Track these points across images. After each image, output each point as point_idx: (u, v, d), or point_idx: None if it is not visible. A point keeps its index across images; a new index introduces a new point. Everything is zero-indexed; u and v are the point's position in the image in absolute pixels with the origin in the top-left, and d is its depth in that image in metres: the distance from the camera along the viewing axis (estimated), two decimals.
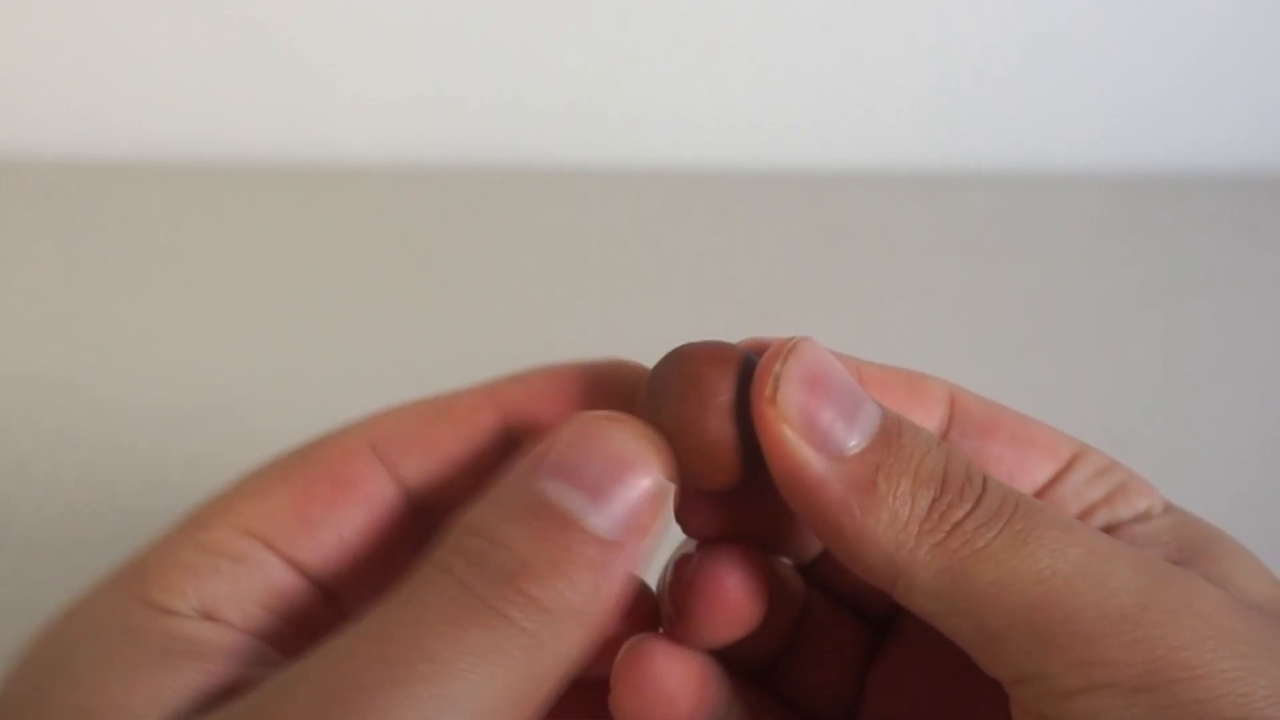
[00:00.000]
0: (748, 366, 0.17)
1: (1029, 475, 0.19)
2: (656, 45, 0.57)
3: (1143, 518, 0.19)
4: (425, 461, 0.19)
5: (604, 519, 0.16)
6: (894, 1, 0.56)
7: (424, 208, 0.55)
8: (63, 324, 0.46)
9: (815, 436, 0.16)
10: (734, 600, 0.18)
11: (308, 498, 0.17)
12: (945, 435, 0.19)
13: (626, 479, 0.16)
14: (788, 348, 0.17)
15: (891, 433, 0.17)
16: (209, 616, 0.16)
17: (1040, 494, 0.19)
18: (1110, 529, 0.19)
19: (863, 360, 0.19)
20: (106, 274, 0.49)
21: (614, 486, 0.16)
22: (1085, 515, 0.19)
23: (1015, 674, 0.16)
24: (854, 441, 0.16)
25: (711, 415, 0.17)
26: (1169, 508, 0.19)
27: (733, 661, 0.20)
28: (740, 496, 0.18)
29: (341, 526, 0.18)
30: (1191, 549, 0.18)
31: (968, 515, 0.16)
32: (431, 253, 0.52)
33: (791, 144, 0.60)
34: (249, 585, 0.17)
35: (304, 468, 0.18)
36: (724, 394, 0.17)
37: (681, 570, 0.18)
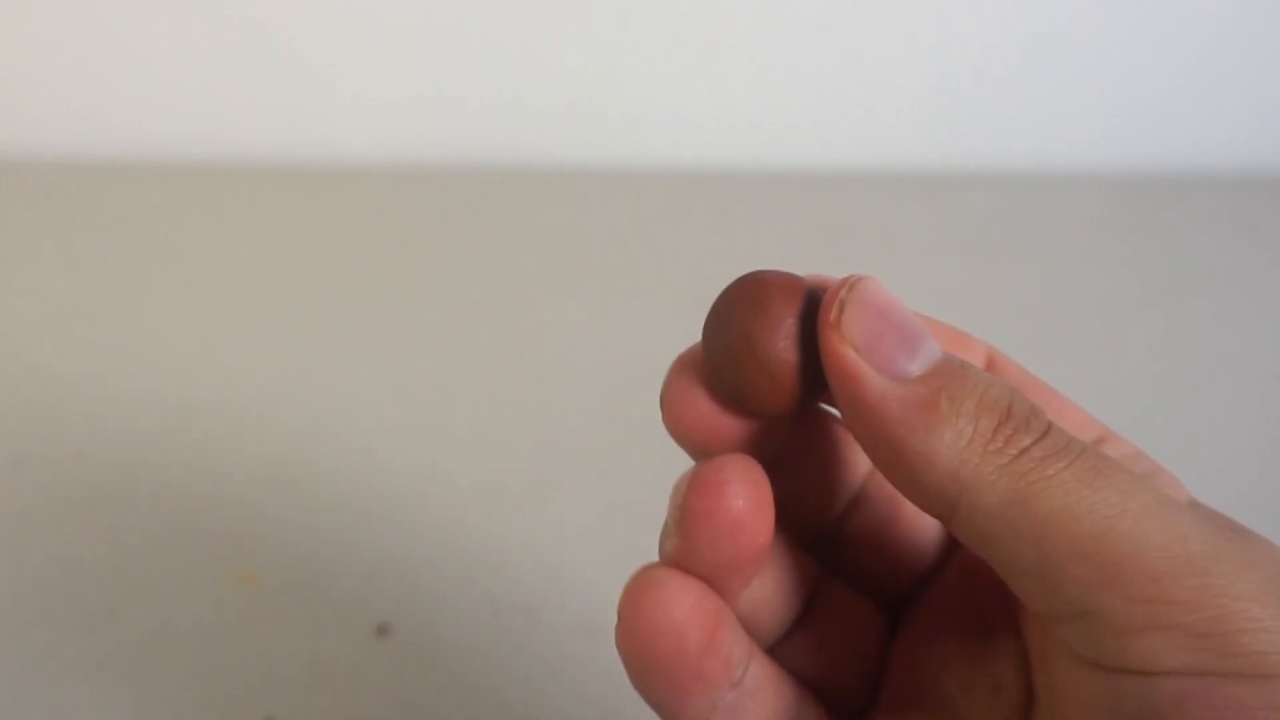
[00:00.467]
0: (814, 296, 0.18)
1: None
2: (656, 45, 0.57)
3: None
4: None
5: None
6: (894, 1, 0.56)
7: (424, 208, 0.55)
8: (63, 323, 0.46)
9: (878, 359, 0.17)
10: (735, 508, 0.17)
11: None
12: None
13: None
14: (853, 280, 0.18)
15: (955, 363, 0.17)
16: None
17: None
18: None
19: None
20: (106, 274, 0.49)
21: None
22: None
23: (1072, 608, 0.15)
24: (916, 367, 0.17)
25: (780, 335, 0.18)
26: (1194, 503, 0.18)
27: (751, 631, 0.20)
28: (785, 436, 0.19)
29: None
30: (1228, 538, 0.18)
31: (1035, 443, 0.16)
32: (431, 253, 0.52)
33: (791, 144, 0.60)
34: None
35: None
36: (790, 317, 0.18)
37: (683, 486, 0.18)
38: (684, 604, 0.18)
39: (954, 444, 0.16)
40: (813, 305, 0.18)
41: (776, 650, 0.21)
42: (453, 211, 0.55)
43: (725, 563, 0.18)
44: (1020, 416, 0.16)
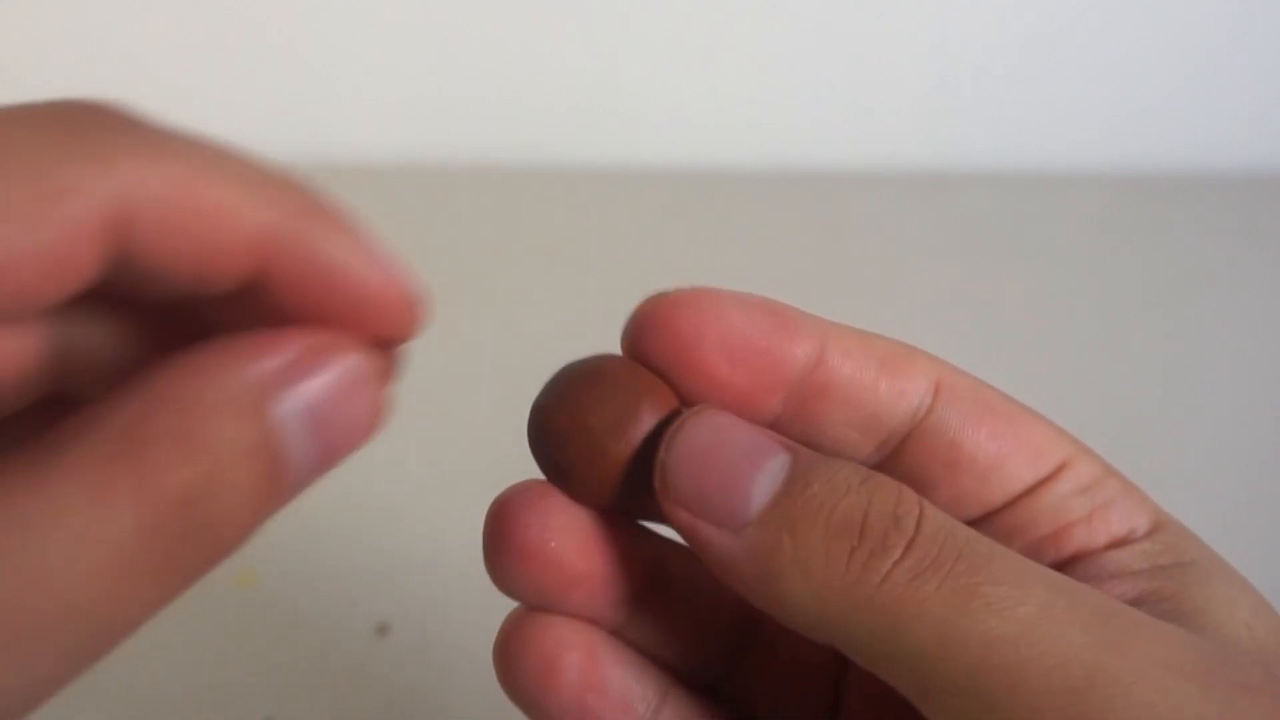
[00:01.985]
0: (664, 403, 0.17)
1: (1005, 478, 0.18)
2: (657, 45, 0.57)
3: (1121, 542, 0.18)
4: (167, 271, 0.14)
5: (313, 475, 0.15)
6: (894, 1, 0.56)
7: (424, 208, 0.55)
8: None
9: (711, 514, 0.16)
10: (526, 535, 0.17)
11: (6, 264, 0.13)
12: (924, 420, 0.18)
13: (354, 444, 0.15)
14: (670, 431, 0.16)
15: (798, 484, 0.16)
16: None
17: (1015, 502, 0.18)
18: (1083, 554, 0.18)
19: (839, 329, 0.18)
20: None
21: (345, 451, 0.15)
22: (1058, 535, 0.18)
23: None
24: (755, 503, 0.16)
25: (613, 429, 0.17)
26: (1157, 527, 0.18)
27: (678, 670, 0.19)
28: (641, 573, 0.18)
29: (30, 308, 0.13)
30: (1169, 581, 0.17)
31: (896, 564, 0.15)
32: (431, 252, 0.52)
33: (791, 144, 0.60)
34: None
35: (17, 208, 0.13)
36: (631, 416, 0.17)
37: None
38: (548, 639, 0.18)
39: (807, 586, 0.15)
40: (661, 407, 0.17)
41: (721, 688, 0.20)
42: (453, 211, 0.54)
43: (539, 589, 0.17)
44: (877, 532, 0.15)
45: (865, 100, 0.59)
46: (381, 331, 0.15)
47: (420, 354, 0.50)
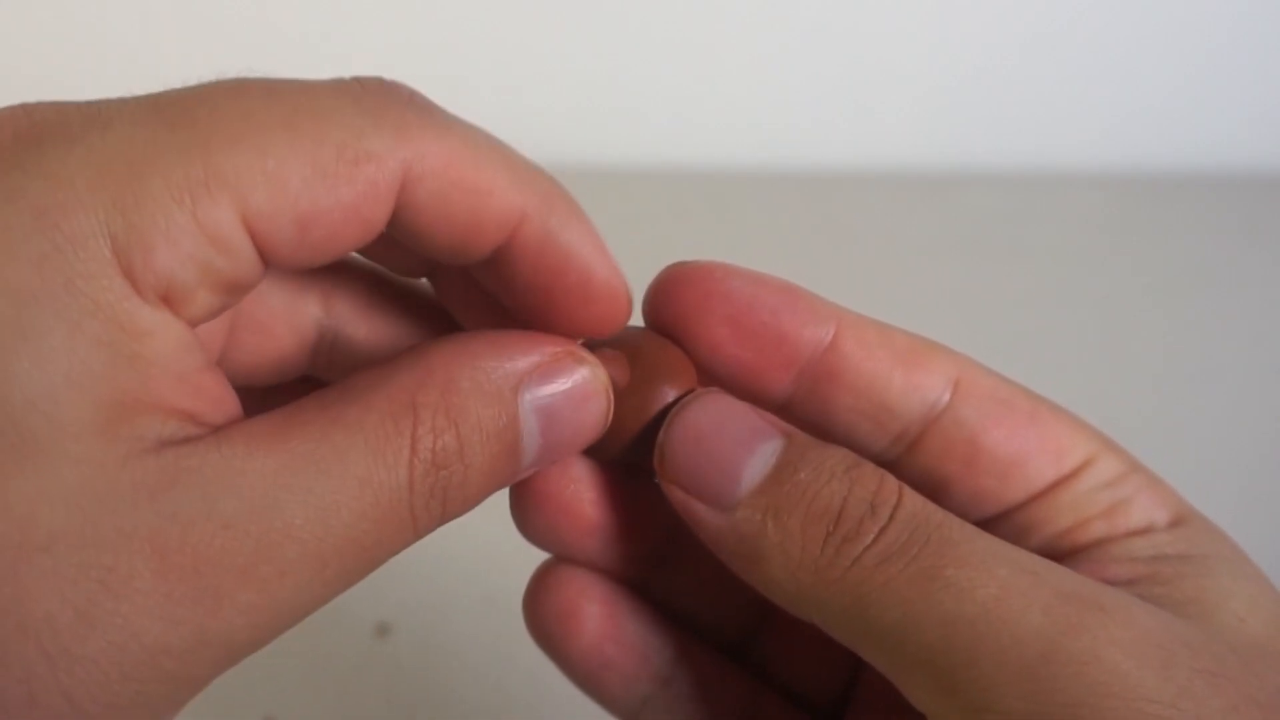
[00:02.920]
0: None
1: (1025, 477, 0.18)
2: (657, 45, 0.57)
3: (1137, 533, 0.18)
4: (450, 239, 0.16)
5: (531, 469, 0.17)
6: (894, 2, 0.56)
7: None
8: None
9: (703, 493, 0.17)
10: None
11: (317, 216, 0.14)
12: (941, 417, 0.18)
13: (577, 446, 0.17)
14: (673, 413, 0.17)
15: (787, 470, 0.16)
16: (167, 303, 0.14)
17: (1037, 499, 0.18)
18: (1099, 544, 0.18)
19: (856, 317, 0.18)
20: None
21: (564, 453, 0.17)
22: (1077, 529, 0.18)
23: (925, 708, 0.15)
24: (745, 486, 0.16)
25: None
26: (1179, 521, 0.18)
27: (699, 626, 0.20)
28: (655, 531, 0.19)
29: (331, 254, 0.15)
30: (1171, 568, 0.17)
31: (867, 549, 0.15)
32: None
33: (791, 144, 0.60)
34: (221, 284, 0.14)
35: (329, 168, 0.14)
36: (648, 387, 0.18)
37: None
38: (570, 588, 0.19)
39: (785, 567, 0.16)
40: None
41: (743, 650, 0.21)
42: None
43: (557, 535, 0.19)
44: (853, 519, 0.16)
45: (865, 100, 0.59)
46: (594, 319, 0.17)
47: None
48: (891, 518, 0.16)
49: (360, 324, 0.19)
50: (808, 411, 0.19)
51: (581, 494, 0.18)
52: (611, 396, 0.17)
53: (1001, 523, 0.19)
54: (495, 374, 0.16)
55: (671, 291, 0.18)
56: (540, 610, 0.19)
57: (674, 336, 0.18)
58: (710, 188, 0.57)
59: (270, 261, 0.14)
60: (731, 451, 0.17)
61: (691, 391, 0.18)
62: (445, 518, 0.16)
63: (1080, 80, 0.59)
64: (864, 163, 0.59)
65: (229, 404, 0.15)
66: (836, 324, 0.18)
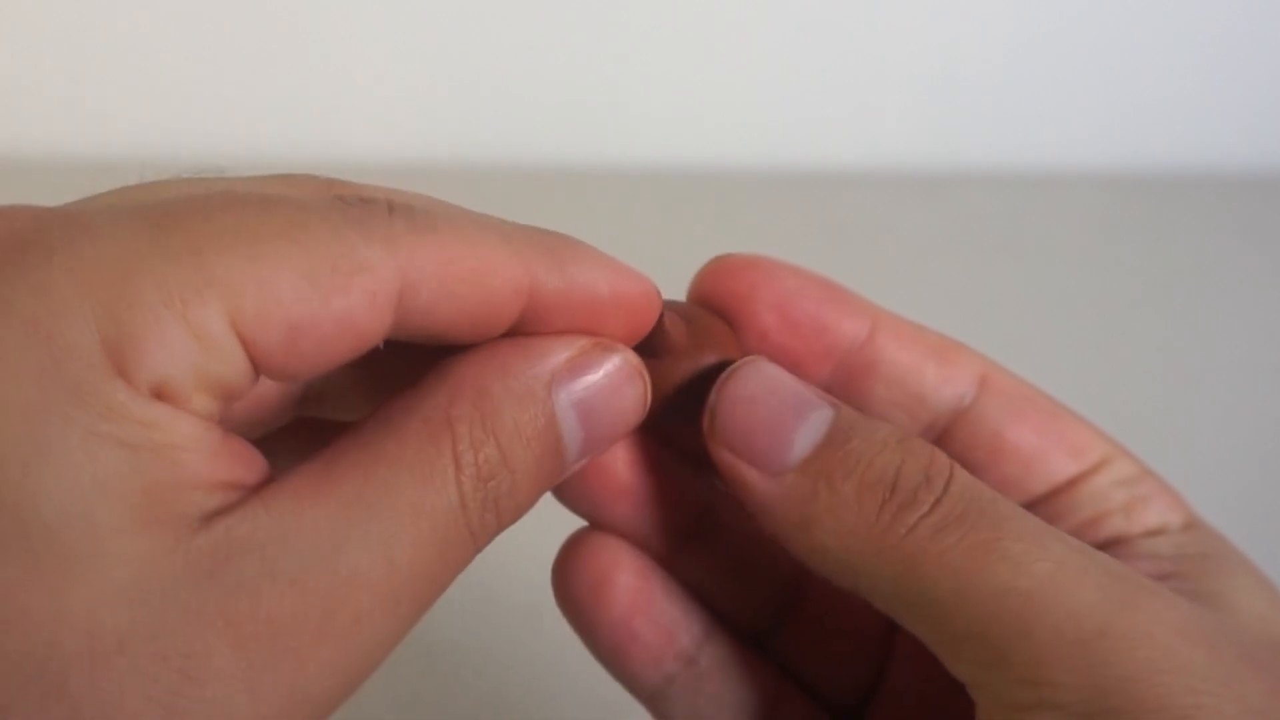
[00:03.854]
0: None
1: (1047, 470, 0.19)
2: (657, 45, 0.57)
3: (1154, 533, 0.18)
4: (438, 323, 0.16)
5: (578, 463, 0.17)
6: (894, 1, 0.56)
7: None
8: None
9: (755, 457, 0.17)
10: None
11: (309, 326, 0.14)
12: (968, 411, 0.19)
13: (620, 433, 0.17)
14: (724, 376, 0.17)
15: (839, 438, 0.17)
16: (166, 400, 0.14)
17: (1057, 492, 0.19)
18: (1117, 540, 0.18)
19: (889, 315, 0.19)
20: None
21: (608, 442, 0.17)
22: (1096, 522, 0.19)
23: (971, 680, 0.16)
24: (797, 452, 0.17)
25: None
26: (1190, 524, 0.19)
27: (727, 617, 0.20)
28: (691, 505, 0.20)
29: (322, 365, 0.15)
30: (1192, 566, 0.18)
31: (923, 518, 0.16)
32: None
33: (791, 144, 0.60)
34: (216, 384, 0.14)
35: (322, 280, 0.14)
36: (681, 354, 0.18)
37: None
38: (603, 556, 0.19)
39: (838, 533, 0.16)
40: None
41: (767, 640, 0.21)
42: None
43: (587, 495, 0.19)
44: (908, 488, 0.16)
45: (865, 100, 0.59)
46: (624, 327, 0.17)
47: None
48: (946, 489, 0.16)
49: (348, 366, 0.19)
50: (843, 400, 0.19)
51: (617, 455, 0.19)
52: (647, 379, 0.17)
53: None
54: (526, 376, 0.16)
55: (721, 280, 0.19)
56: (571, 578, 0.19)
57: (726, 320, 0.19)
58: (710, 188, 0.57)
59: (261, 369, 0.14)
60: (784, 417, 0.17)
61: (733, 360, 0.18)
62: (501, 527, 0.16)
63: (1080, 80, 0.59)
64: (864, 163, 0.59)
65: (258, 462, 0.15)
66: (873, 319, 0.19)
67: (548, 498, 0.19)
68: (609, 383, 0.16)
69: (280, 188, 0.16)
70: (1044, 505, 0.19)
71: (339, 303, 0.14)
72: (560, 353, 0.16)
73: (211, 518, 0.13)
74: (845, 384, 0.19)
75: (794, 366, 0.18)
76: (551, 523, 0.35)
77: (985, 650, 0.15)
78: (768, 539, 0.19)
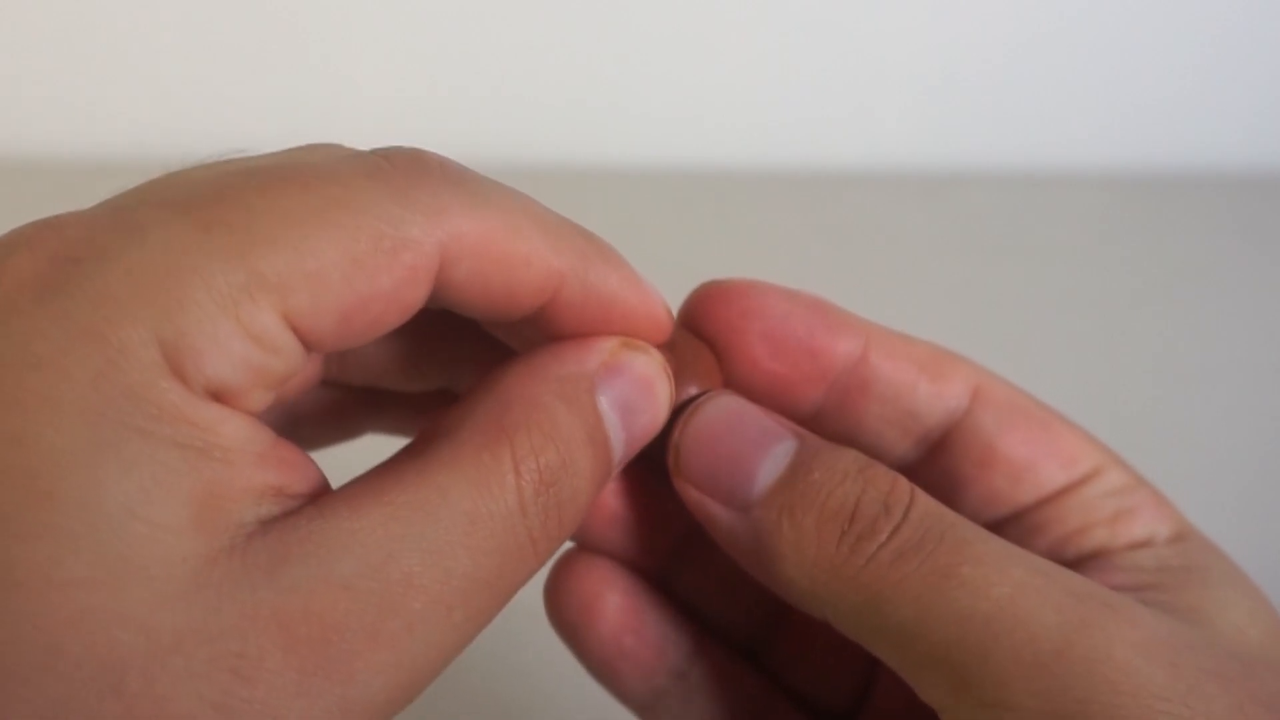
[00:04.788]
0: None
1: (1036, 481, 0.19)
2: (657, 45, 0.57)
3: (1139, 545, 0.18)
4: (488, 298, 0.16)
5: (622, 461, 0.17)
6: (894, 1, 0.56)
7: None
8: None
9: (719, 493, 0.17)
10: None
11: (359, 307, 0.14)
12: (961, 422, 0.19)
13: (653, 430, 0.17)
14: (687, 414, 0.18)
15: (800, 469, 0.17)
16: (222, 401, 0.14)
17: (1045, 503, 0.19)
18: (1101, 553, 0.18)
19: (882, 330, 0.19)
20: None
21: (644, 441, 0.17)
22: (1081, 534, 0.19)
23: (938, 705, 0.16)
24: (759, 486, 0.17)
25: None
26: (1180, 537, 0.19)
27: (716, 627, 0.20)
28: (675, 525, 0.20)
29: (369, 338, 0.15)
30: (1173, 579, 0.18)
31: (882, 547, 0.16)
32: None
33: (791, 144, 0.60)
34: (271, 381, 0.14)
35: (367, 260, 0.14)
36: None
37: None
38: (592, 577, 0.19)
39: (800, 565, 0.16)
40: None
41: (756, 653, 0.21)
42: None
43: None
44: (867, 518, 0.16)
45: (865, 100, 0.59)
46: (640, 338, 0.18)
47: None
48: (905, 517, 0.16)
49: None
50: (837, 421, 0.19)
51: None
52: (670, 375, 0.17)
53: (1011, 524, 0.19)
54: (571, 382, 0.16)
55: (708, 308, 0.19)
56: (561, 598, 0.20)
57: (713, 346, 0.19)
58: (710, 188, 0.57)
59: (314, 349, 0.15)
60: (746, 451, 0.17)
61: (706, 393, 0.18)
62: (563, 536, 0.16)
63: (1080, 80, 0.59)
64: (864, 163, 0.59)
65: (311, 469, 0.15)
66: (866, 336, 0.19)
67: None
68: (642, 382, 0.17)
69: (318, 157, 0.16)
70: (1032, 516, 0.19)
71: (385, 281, 0.14)
72: (596, 356, 0.16)
73: (267, 524, 0.13)
74: (839, 405, 0.19)
75: (786, 392, 0.19)
76: None
77: (948, 676, 0.15)
78: None
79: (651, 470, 0.19)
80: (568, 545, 0.20)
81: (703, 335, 0.19)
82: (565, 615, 0.20)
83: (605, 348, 0.17)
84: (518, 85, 0.57)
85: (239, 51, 0.56)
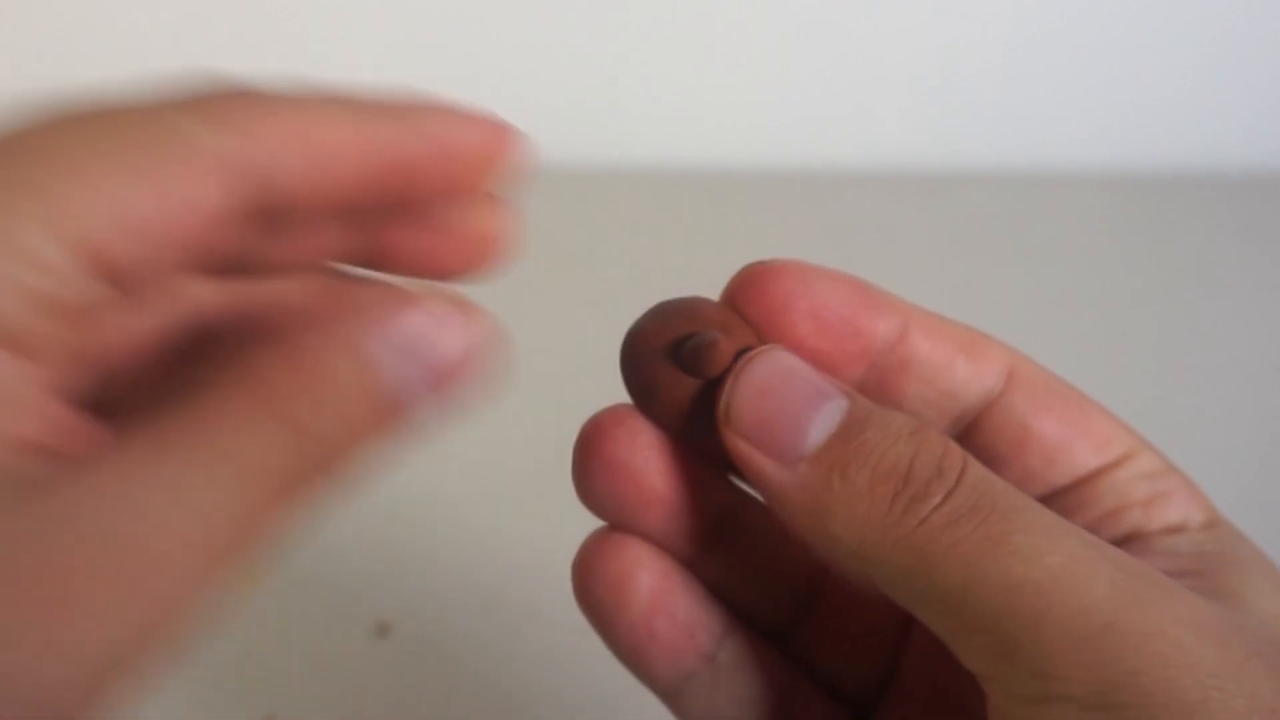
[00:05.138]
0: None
1: (1071, 462, 0.19)
2: (656, 45, 0.57)
3: (1174, 529, 0.18)
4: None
5: (428, 407, 0.16)
6: (894, 1, 0.56)
7: None
8: None
9: (769, 446, 0.17)
10: (615, 448, 0.19)
11: (142, 223, 0.14)
12: (996, 402, 0.19)
13: (459, 383, 0.16)
14: (739, 365, 0.18)
15: (853, 428, 0.17)
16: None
17: (1080, 484, 0.19)
18: (1136, 535, 0.18)
19: (921, 311, 0.19)
20: None
21: (452, 389, 0.16)
22: (1115, 515, 0.19)
23: (981, 672, 0.16)
24: (811, 441, 0.17)
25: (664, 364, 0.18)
26: (1211, 523, 0.19)
27: (747, 615, 0.20)
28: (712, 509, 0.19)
29: (179, 254, 0.15)
30: (1210, 565, 0.18)
31: (935, 509, 0.16)
32: None
33: (791, 144, 0.60)
34: (57, 305, 0.14)
35: (148, 170, 0.14)
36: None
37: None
38: (624, 556, 0.19)
39: (850, 523, 0.16)
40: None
41: (784, 639, 0.21)
42: None
43: (619, 502, 0.19)
44: (921, 479, 0.16)
45: (865, 100, 0.59)
46: (491, 169, 0.17)
47: None
48: (959, 481, 0.16)
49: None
50: (876, 399, 0.19)
51: (652, 463, 0.19)
52: (477, 316, 0.17)
53: (1047, 504, 0.19)
54: (340, 326, 0.15)
55: (756, 288, 0.19)
56: (592, 577, 0.19)
57: (757, 330, 0.19)
58: (710, 188, 0.57)
59: (117, 274, 0.14)
60: (798, 406, 0.17)
61: (758, 348, 0.18)
62: (328, 478, 0.15)
63: (1080, 80, 0.59)
64: (864, 163, 0.59)
65: (84, 432, 0.14)
66: (905, 316, 0.19)
67: (566, 499, 0.19)
68: (427, 322, 0.16)
69: (146, 98, 0.15)
70: (1066, 497, 0.19)
71: (173, 188, 0.14)
72: (367, 305, 0.16)
73: (19, 474, 0.13)
74: (878, 382, 0.19)
75: (828, 369, 0.19)
76: (549, 522, 0.35)
77: (996, 642, 0.15)
78: (789, 539, 0.19)
79: (689, 450, 0.19)
80: (600, 524, 0.20)
81: (747, 313, 0.19)
82: (595, 594, 0.19)
83: (379, 295, 0.16)
84: (517, 85, 0.57)
85: (239, 51, 0.56)
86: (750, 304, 0.19)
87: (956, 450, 0.17)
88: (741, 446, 0.17)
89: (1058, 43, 0.57)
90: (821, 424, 0.17)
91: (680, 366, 0.18)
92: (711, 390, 0.18)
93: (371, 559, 0.35)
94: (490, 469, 0.38)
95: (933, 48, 0.58)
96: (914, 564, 0.16)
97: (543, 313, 0.47)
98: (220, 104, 0.15)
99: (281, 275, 0.18)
